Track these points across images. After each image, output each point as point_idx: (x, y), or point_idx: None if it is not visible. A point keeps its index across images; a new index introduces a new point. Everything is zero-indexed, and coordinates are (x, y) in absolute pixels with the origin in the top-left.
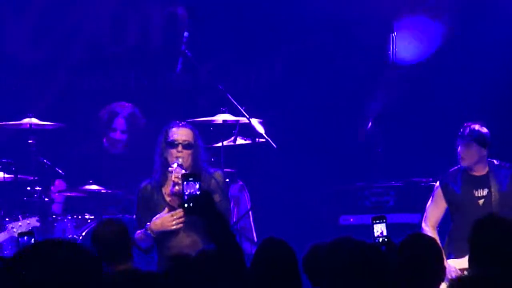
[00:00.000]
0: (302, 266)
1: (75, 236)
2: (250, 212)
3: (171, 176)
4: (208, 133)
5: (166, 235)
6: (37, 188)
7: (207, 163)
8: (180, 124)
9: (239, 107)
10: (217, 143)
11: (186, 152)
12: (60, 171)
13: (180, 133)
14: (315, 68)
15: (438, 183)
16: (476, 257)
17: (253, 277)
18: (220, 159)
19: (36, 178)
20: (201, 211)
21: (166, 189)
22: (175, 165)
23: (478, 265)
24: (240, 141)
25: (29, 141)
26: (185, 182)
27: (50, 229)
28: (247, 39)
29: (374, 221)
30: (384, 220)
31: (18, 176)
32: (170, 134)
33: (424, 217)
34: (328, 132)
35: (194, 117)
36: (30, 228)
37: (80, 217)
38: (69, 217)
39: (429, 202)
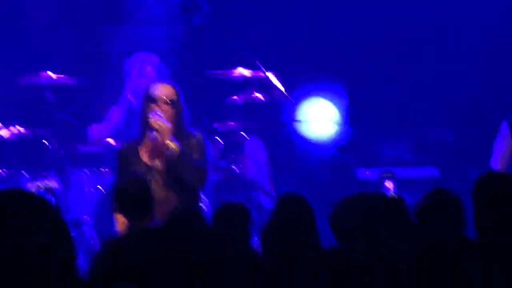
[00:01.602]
0: (328, 221)
1: (91, 189)
2: (268, 167)
3: (151, 121)
4: (225, 88)
5: None
6: (54, 141)
7: (189, 124)
8: (163, 82)
9: (257, 62)
10: (233, 98)
11: (166, 107)
12: (75, 124)
13: (162, 90)
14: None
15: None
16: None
17: (271, 231)
18: (237, 115)
19: (52, 132)
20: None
21: (143, 149)
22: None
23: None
24: (257, 95)
25: (45, 95)
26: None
27: (67, 182)
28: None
29: (383, 176)
30: (392, 175)
31: (35, 130)
32: (151, 91)
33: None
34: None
35: (210, 70)
36: (49, 187)
37: (96, 170)
38: (86, 171)
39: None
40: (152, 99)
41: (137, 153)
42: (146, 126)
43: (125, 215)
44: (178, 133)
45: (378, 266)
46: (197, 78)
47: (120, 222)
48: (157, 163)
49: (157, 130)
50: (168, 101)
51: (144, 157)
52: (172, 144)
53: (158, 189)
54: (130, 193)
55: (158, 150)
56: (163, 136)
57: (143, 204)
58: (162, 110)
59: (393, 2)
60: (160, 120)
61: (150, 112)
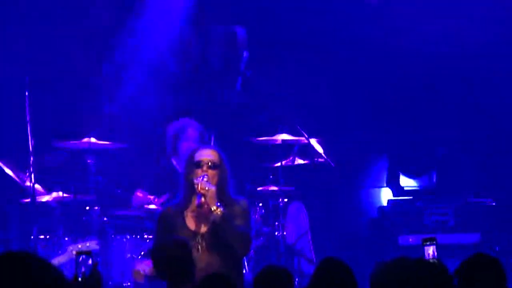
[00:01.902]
0: (369, 283)
1: (133, 255)
2: (309, 232)
3: (196, 186)
4: (267, 152)
5: None
6: (96, 207)
7: (233, 189)
8: (206, 146)
9: (298, 127)
10: (276, 162)
11: (212, 172)
12: (119, 191)
13: (206, 154)
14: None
15: None
16: None
17: None
18: (279, 179)
19: (94, 198)
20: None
21: (188, 213)
22: (201, 179)
23: None
24: (299, 161)
25: (88, 161)
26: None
27: (109, 248)
28: (302, 60)
29: (425, 243)
30: (435, 242)
31: (77, 196)
32: (196, 155)
33: None
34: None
35: (253, 135)
36: (89, 249)
37: (138, 236)
38: (128, 237)
39: None
40: (197, 164)
41: (182, 217)
42: (191, 191)
43: (165, 279)
44: (223, 197)
45: None
46: (240, 144)
47: None
48: (202, 228)
49: (203, 195)
50: (213, 165)
51: (190, 221)
52: (217, 210)
53: (202, 254)
54: (171, 257)
55: (203, 215)
56: (209, 201)
57: (184, 269)
58: (207, 175)
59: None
60: (206, 184)
61: (196, 177)
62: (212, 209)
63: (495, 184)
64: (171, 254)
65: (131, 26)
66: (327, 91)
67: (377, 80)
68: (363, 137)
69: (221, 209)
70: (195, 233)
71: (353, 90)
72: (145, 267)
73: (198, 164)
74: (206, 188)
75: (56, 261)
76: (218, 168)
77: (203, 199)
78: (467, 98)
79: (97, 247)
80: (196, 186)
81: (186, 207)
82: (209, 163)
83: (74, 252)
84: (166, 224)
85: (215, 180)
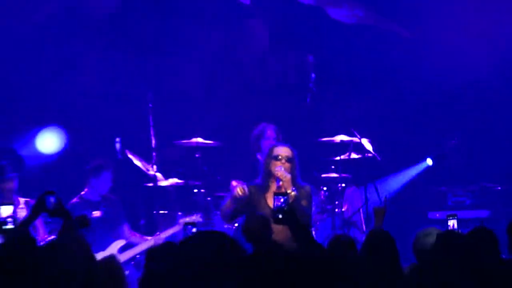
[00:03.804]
0: (412, 247)
1: (230, 227)
2: (361, 209)
3: (277, 174)
4: (330, 149)
5: None
6: (202, 190)
7: (301, 176)
8: (282, 144)
9: (353, 130)
10: (336, 157)
11: (287, 164)
12: (218, 178)
13: (283, 150)
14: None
15: None
16: None
17: (362, 259)
18: (338, 169)
19: (201, 183)
20: (287, 221)
21: (268, 195)
22: (280, 168)
23: None
24: (353, 155)
25: (196, 155)
26: (275, 197)
27: (211, 222)
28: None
29: (448, 217)
30: (456, 217)
31: (188, 181)
32: (275, 150)
33: None
34: (419, 147)
35: (319, 137)
36: (196, 222)
37: None
38: None
39: None
40: (276, 157)
41: (264, 197)
42: (270, 178)
43: (250, 241)
44: (294, 184)
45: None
46: (311, 143)
47: None
48: None
49: (282, 180)
50: (288, 159)
51: (270, 201)
52: (291, 192)
53: (280, 228)
54: (254, 226)
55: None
56: (285, 185)
57: (263, 235)
58: (283, 166)
59: None
60: (284, 173)
61: (275, 167)
62: (288, 191)
63: (502, 172)
64: (255, 225)
65: (234, 55)
66: (376, 104)
67: (406, 96)
68: (402, 138)
69: (295, 192)
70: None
71: (394, 105)
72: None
73: (277, 158)
74: (284, 176)
75: (172, 231)
76: (291, 161)
77: (281, 183)
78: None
79: (200, 219)
80: (276, 173)
81: (266, 190)
82: (286, 157)
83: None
84: (250, 198)
85: (289, 170)
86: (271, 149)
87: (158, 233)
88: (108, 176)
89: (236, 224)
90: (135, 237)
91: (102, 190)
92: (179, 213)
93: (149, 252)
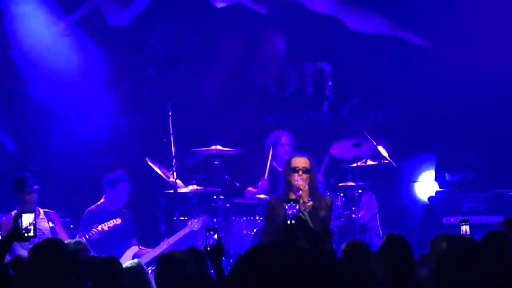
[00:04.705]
0: (429, 248)
1: (248, 232)
2: (377, 214)
3: (296, 183)
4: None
5: None
6: (221, 197)
7: (321, 186)
8: (300, 155)
9: (369, 137)
10: (353, 163)
11: (305, 175)
12: (237, 185)
13: (300, 162)
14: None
15: None
16: None
17: (380, 260)
18: (355, 175)
19: (220, 190)
20: (299, 226)
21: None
22: (299, 179)
23: None
24: (369, 162)
25: (215, 162)
26: (287, 205)
27: (230, 226)
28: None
29: (461, 223)
30: (468, 223)
31: (207, 188)
32: (293, 162)
33: None
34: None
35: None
36: (203, 222)
37: (251, 218)
38: (244, 218)
39: None
40: (294, 169)
41: (284, 207)
42: (290, 188)
43: None
44: (313, 192)
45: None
46: (328, 149)
47: None
48: None
49: (301, 190)
50: (306, 170)
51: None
52: (308, 202)
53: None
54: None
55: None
56: (303, 195)
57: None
58: (301, 176)
59: None
60: (302, 183)
61: (293, 178)
62: (305, 201)
63: None
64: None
65: (252, 64)
66: (394, 112)
67: (424, 105)
68: (418, 145)
69: (311, 202)
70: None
71: (411, 113)
72: None
73: (295, 169)
74: (303, 185)
75: (180, 234)
76: (309, 172)
77: (300, 192)
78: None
79: (207, 219)
80: (295, 183)
81: (285, 199)
82: (303, 169)
83: (191, 225)
84: (271, 210)
85: (307, 181)
86: (289, 161)
87: (166, 238)
88: (124, 188)
89: (255, 230)
90: (142, 250)
91: (118, 203)
92: (185, 218)
93: (160, 259)
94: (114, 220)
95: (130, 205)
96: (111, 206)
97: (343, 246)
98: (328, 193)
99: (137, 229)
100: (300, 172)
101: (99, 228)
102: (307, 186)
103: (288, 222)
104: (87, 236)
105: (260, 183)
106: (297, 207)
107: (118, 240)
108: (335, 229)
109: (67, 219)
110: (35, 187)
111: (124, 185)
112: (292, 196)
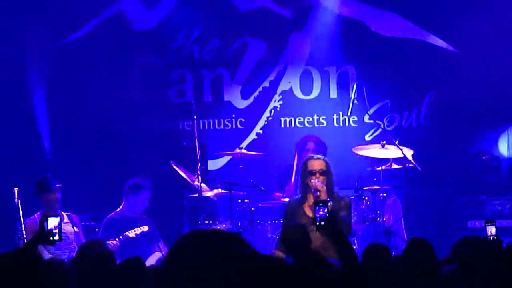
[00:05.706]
0: (453, 253)
1: (273, 235)
2: (402, 218)
3: (313, 185)
4: (370, 159)
5: None
6: (246, 200)
7: (338, 188)
8: (316, 157)
9: (393, 140)
10: (378, 166)
11: (321, 177)
12: (262, 188)
13: (317, 164)
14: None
15: None
16: None
17: (402, 264)
18: (379, 179)
19: (245, 193)
20: (328, 229)
21: (306, 205)
22: (316, 180)
23: None
24: (394, 165)
25: (240, 166)
26: (316, 207)
27: (255, 230)
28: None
29: (487, 224)
30: (494, 223)
31: (232, 192)
32: (309, 165)
33: None
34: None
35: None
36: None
37: (276, 221)
38: (269, 222)
39: None
40: (310, 172)
41: (302, 208)
42: (307, 190)
43: (289, 254)
44: (330, 193)
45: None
46: (354, 154)
47: None
48: None
49: (319, 191)
50: (322, 172)
51: (307, 211)
52: (328, 203)
53: (317, 235)
54: (291, 236)
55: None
56: (322, 195)
57: (302, 247)
58: (318, 178)
59: None
60: (319, 184)
61: (311, 179)
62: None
63: None
64: (293, 235)
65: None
66: (418, 116)
67: (448, 109)
68: (441, 150)
69: (330, 202)
70: (312, 219)
71: (435, 117)
72: None
73: (311, 172)
74: (320, 186)
75: None
76: (325, 173)
77: (318, 193)
78: None
79: (230, 226)
80: (312, 184)
81: (304, 201)
82: (320, 171)
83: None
84: (289, 212)
85: (324, 182)
86: (305, 163)
87: None
88: (146, 195)
89: None
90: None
91: (139, 209)
92: (223, 225)
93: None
94: (141, 227)
95: (155, 209)
96: (131, 213)
97: (363, 249)
98: (352, 196)
99: (159, 235)
100: (317, 175)
101: (128, 234)
102: (325, 187)
103: (317, 224)
104: (113, 242)
105: (286, 187)
106: (326, 209)
107: (143, 246)
108: (359, 232)
109: (92, 223)
110: (58, 185)
111: (146, 193)
112: (310, 198)
